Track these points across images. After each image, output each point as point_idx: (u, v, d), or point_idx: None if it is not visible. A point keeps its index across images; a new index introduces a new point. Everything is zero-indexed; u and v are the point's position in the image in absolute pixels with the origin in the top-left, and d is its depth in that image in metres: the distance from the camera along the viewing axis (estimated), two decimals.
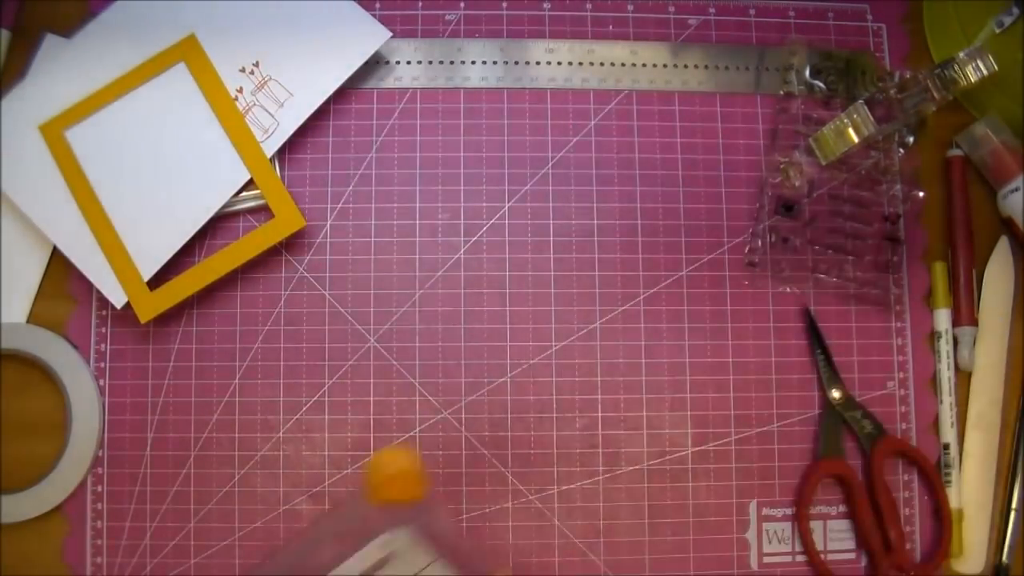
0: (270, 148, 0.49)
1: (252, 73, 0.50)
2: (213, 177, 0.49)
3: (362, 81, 0.52)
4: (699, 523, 0.49)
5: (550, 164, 0.52)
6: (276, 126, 0.49)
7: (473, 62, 0.52)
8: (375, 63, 0.52)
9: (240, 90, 0.49)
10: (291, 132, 0.50)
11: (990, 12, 0.50)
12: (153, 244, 0.48)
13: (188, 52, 0.49)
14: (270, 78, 0.49)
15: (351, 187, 0.51)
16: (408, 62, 0.52)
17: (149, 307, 0.48)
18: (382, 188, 0.51)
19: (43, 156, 0.48)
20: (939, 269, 0.52)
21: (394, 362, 0.50)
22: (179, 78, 0.49)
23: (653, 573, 0.49)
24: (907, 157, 0.53)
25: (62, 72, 0.49)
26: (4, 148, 0.48)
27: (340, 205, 0.51)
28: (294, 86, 0.50)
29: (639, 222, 0.52)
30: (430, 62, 0.52)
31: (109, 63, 0.49)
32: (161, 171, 0.49)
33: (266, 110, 0.49)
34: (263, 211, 0.50)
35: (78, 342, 0.49)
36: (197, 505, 0.48)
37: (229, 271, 0.49)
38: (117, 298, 0.48)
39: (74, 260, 0.48)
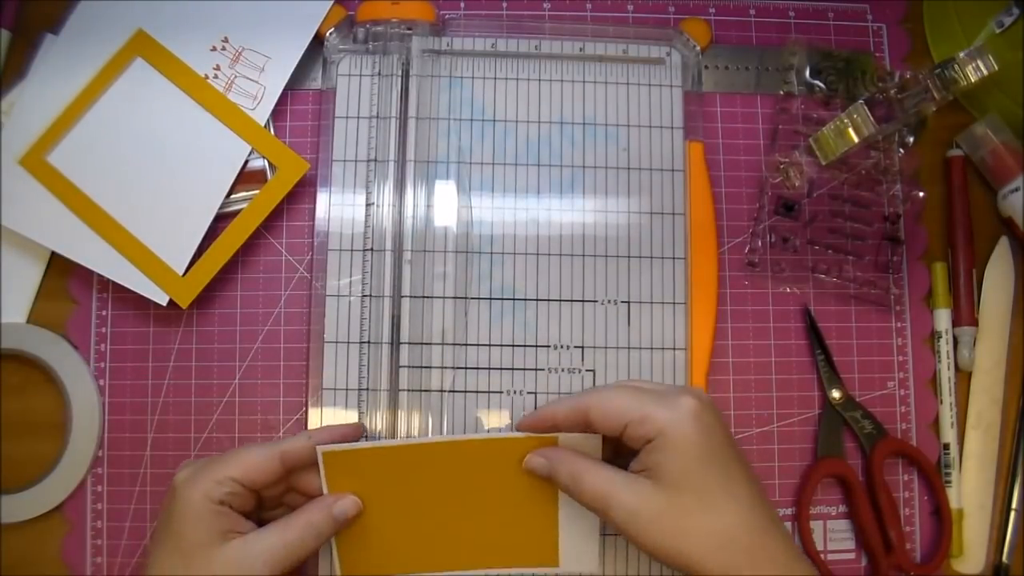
0: (263, 111, 0.50)
1: (224, 49, 0.50)
2: (214, 155, 0.49)
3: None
4: None
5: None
6: (263, 90, 0.50)
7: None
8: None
9: (217, 67, 0.50)
10: (279, 91, 0.50)
11: (990, 12, 0.50)
12: (177, 238, 0.48)
13: (141, 47, 0.49)
14: (243, 48, 0.50)
15: None
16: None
17: (187, 293, 0.48)
18: None
19: (36, 188, 0.48)
20: (939, 269, 0.52)
21: None
22: (142, 74, 0.49)
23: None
24: (907, 157, 0.52)
25: (27, 101, 0.49)
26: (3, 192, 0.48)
27: None
28: (268, 49, 0.50)
29: None
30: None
31: (73, 77, 0.49)
32: (161, 166, 0.49)
33: (248, 78, 0.50)
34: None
35: (78, 342, 0.49)
36: None
37: (251, 234, 0.49)
38: (159, 298, 0.48)
39: (106, 274, 0.48)
